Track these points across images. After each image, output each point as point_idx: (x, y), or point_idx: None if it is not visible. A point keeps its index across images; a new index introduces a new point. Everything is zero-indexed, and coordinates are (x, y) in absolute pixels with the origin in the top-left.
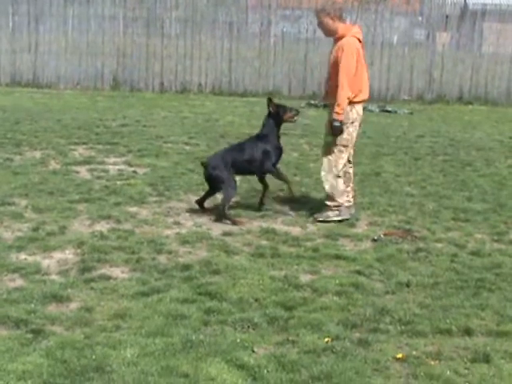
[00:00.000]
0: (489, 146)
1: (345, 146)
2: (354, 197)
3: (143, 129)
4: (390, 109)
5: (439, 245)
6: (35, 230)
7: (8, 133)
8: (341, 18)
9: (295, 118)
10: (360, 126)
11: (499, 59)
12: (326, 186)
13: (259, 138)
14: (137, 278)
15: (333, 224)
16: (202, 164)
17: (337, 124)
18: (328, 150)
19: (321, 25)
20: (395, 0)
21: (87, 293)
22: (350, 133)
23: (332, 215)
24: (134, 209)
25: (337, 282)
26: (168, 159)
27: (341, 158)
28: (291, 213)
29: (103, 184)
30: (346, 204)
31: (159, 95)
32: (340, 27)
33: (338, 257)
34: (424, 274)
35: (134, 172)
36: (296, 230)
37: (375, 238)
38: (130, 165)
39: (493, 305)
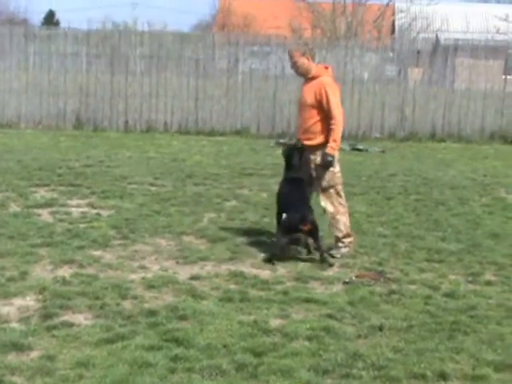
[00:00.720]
0: (462, 185)
1: (340, 184)
2: None
3: (107, 169)
4: (361, 147)
5: (413, 287)
6: None
7: None
8: (314, 59)
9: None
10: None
11: (472, 95)
12: (340, 226)
13: (301, 181)
14: (101, 325)
15: (303, 266)
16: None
17: (330, 158)
18: (327, 194)
19: (296, 65)
20: (365, 36)
21: (49, 341)
22: (340, 170)
23: (346, 251)
24: (97, 252)
25: (308, 326)
26: (133, 201)
27: (341, 197)
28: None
29: (66, 227)
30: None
31: (124, 134)
32: (314, 68)
33: (308, 300)
34: (397, 317)
35: (98, 214)
36: (265, 273)
37: (347, 280)
38: (93, 207)
39: (468, 348)
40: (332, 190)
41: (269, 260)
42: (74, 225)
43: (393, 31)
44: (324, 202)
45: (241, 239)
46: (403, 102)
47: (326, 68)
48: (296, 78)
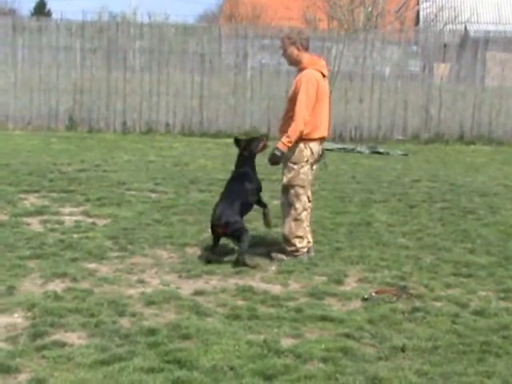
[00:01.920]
0: (493, 192)
1: (302, 187)
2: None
3: (103, 174)
4: (381, 150)
5: (438, 303)
6: None
7: None
8: (307, 49)
9: (266, 146)
10: (317, 164)
11: (504, 93)
12: (285, 230)
13: (243, 175)
14: (95, 345)
15: (318, 281)
16: (215, 224)
17: (277, 153)
18: (285, 193)
19: (285, 53)
20: (387, 28)
21: (39, 362)
22: (306, 172)
23: (287, 259)
24: (92, 265)
25: (323, 346)
26: (131, 209)
27: (299, 200)
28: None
29: (58, 237)
30: (305, 249)
31: (122, 136)
32: (305, 58)
33: (323, 318)
34: (421, 337)
35: (93, 223)
36: (276, 288)
37: (366, 296)
38: (88, 215)
39: (500, 372)
40: (292, 191)
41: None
42: (66, 235)
43: (417, 22)
44: (281, 200)
45: (249, 251)
46: (428, 101)
47: (319, 59)
48: None
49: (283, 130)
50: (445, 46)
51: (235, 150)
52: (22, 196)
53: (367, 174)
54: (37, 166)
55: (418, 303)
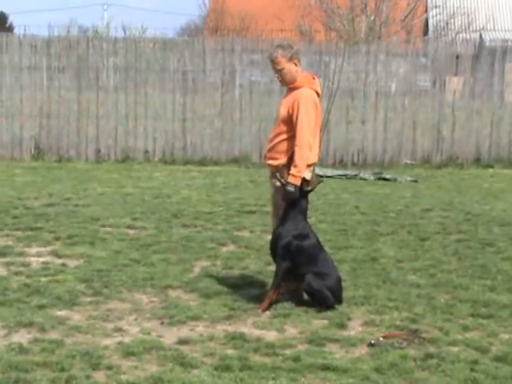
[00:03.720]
0: None
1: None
2: None
3: (74, 209)
4: (388, 176)
5: (455, 349)
6: None
7: None
8: (300, 64)
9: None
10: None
11: None
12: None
13: None
14: None
15: (318, 325)
16: None
17: (291, 189)
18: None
19: (281, 72)
20: (392, 38)
21: None
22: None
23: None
24: (62, 313)
25: None
26: (106, 247)
27: None
28: None
29: (23, 281)
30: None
31: (95, 165)
32: (300, 76)
33: (325, 367)
34: None
35: (63, 265)
36: (271, 335)
37: (372, 341)
38: (57, 256)
39: None
40: None
41: None
42: (33, 278)
43: (425, 32)
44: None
45: (240, 293)
46: (440, 120)
47: (314, 78)
48: None
49: (273, 156)
50: (457, 57)
51: (223, 180)
52: None
53: (372, 204)
54: None
55: (431, 349)
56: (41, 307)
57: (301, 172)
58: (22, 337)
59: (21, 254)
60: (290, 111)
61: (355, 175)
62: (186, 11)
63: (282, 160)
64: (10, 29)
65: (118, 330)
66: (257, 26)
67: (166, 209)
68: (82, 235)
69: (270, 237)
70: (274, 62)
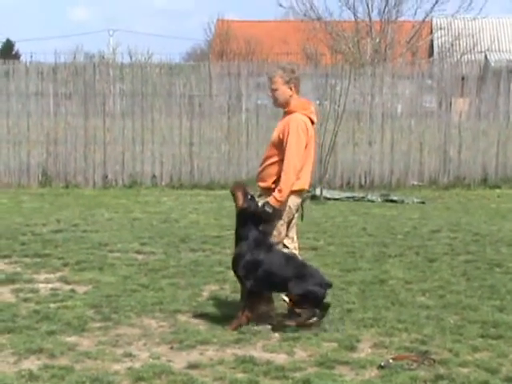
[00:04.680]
0: None
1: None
2: None
3: (82, 235)
4: (395, 198)
5: (465, 370)
6: None
7: None
8: (298, 91)
9: None
10: (294, 219)
11: None
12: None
13: None
14: None
15: (328, 348)
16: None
17: (268, 209)
18: None
19: (275, 92)
20: (397, 60)
21: None
22: (279, 229)
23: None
24: (72, 339)
25: None
26: (115, 273)
27: None
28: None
29: (32, 308)
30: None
31: (102, 191)
32: (294, 100)
33: None
34: None
35: (72, 291)
36: (280, 358)
37: (382, 363)
38: (66, 282)
39: None
40: None
41: None
42: (42, 305)
43: (431, 53)
44: None
45: None
46: (446, 141)
47: (309, 104)
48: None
49: (263, 178)
50: (463, 78)
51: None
52: None
53: (380, 225)
54: (6, 228)
55: (441, 370)
56: (50, 333)
57: (283, 197)
58: (31, 363)
59: (29, 281)
60: (281, 136)
61: (362, 197)
62: (191, 36)
63: (270, 182)
64: (17, 56)
65: (128, 355)
66: (262, 49)
67: (174, 233)
68: (90, 261)
69: None
70: (270, 81)
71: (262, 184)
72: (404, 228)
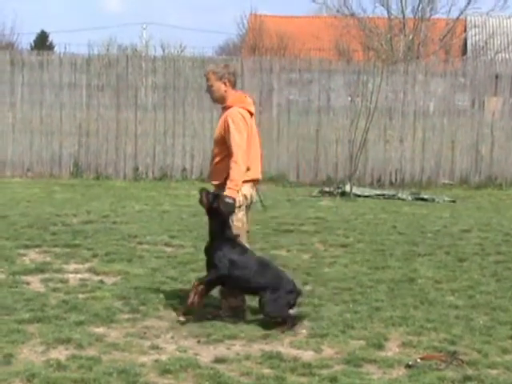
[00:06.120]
0: None
1: (241, 236)
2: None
3: (112, 226)
4: (425, 196)
5: (493, 371)
6: None
7: None
8: (234, 85)
9: None
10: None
11: None
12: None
13: None
14: None
15: (355, 346)
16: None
17: (229, 201)
18: None
19: (210, 89)
20: (430, 58)
21: None
22: (240, 219)
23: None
24: (100, 330)
25: None
26: (144, 265)
27: None
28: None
29: (61, 298)
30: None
31: (132, 183)
32: (231, 95)
33: None
34: None
35: (101, 282)
36: (307, 355)
37: (410, 363)
38: (95, 273)
39: None
40: None
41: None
42: (71, 295)
43: (464, 51)
44: None
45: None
46: (478, 140)
47: (246, 97)
48: (345, 111)
49: (214, 176)
50: (496, 76)
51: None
52: (21, 252)
53: (410, 224)
54: (37, 218)
55: (470, 371)
56: (78, 324)
57: (237, 186)
58: (59, 353)
59: (59, 271)
60: (222, 132)
61: (393, 195)
62: (224, 30)
63: (223, 179)
64: (51, 47)
65: (155, 347)
66: (295, 45)
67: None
68: (119, 252)
69: (307, 256)
70: (205, 78)
71: (214, 182)
72: (434, 227)
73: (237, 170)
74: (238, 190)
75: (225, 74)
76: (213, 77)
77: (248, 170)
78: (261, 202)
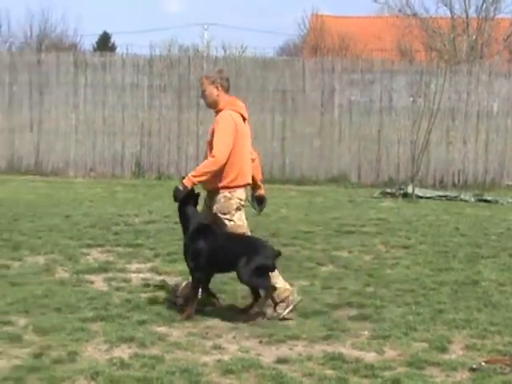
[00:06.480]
0: None
1: None
2: None
3: (174, 226)
4: (489, 198)
5: None
6: (37, 356)
7: (3, 232)
8: (227, 90)
9: None
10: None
11: None
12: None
13: None
14: None
15: (418, 348)
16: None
17: (180, 187)
18: None
19: (203, 93)
20: (494, 58)
21: None
22: (241, 218)
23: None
24: (162, 329)
25: None
26: None
27: None
28: None
29: (124, 297)
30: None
31: None
32: (223, 100)
33: None
34: None
35: (163, 281)
36: (370, 356)
37: (474, 366)
38: (157, 272)
39: None
40: None
41: None
42: (133, 294)
43: None
44: None
45: (339, 313)
46: None
47: (236, 100)
48: (406, 112)
49: (208, 180)
50: None
51: (322, 200)
52: (85, 251)
53: (473, 226)
54: (100, 218)
55: None
56: (141, 323)
57: (196, 178)
58: (122, 352)
59: (122, 270)
60: (213, 133)
61: (455, 196)
62: (285, 31)
63: (215, 183)
64: (113, 48)
65: (217, 347)
66: (356, 45)
67: (265, 227)
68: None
69: (368, 257)
70: (200, 84)
71: (207, 186)
72: (498, 229)
73: (204, 165)
74: (195, 183)
75: (217, 78)
76: (206, 81)
77: (240, 174)
78: (252, 205)
